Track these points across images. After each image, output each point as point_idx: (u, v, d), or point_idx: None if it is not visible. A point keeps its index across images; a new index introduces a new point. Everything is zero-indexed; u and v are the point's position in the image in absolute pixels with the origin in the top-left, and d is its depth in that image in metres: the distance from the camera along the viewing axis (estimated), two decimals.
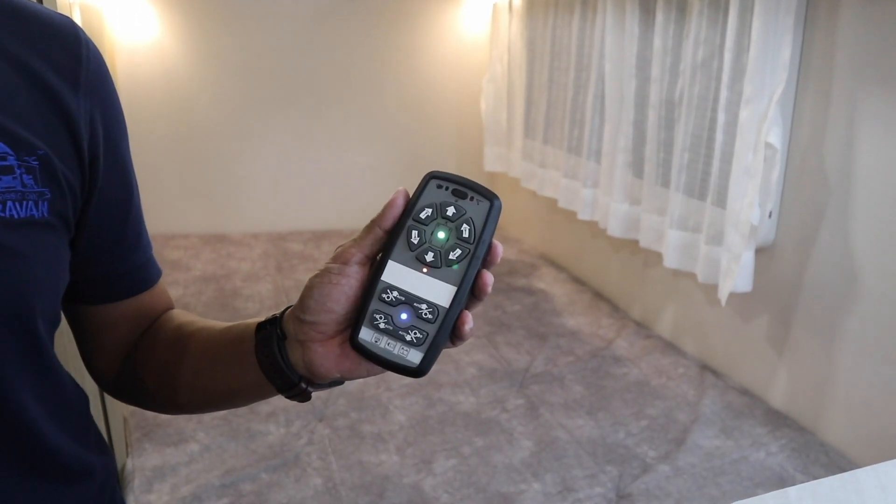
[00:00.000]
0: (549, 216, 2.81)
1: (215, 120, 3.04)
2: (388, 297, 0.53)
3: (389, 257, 0.53)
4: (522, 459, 1.67)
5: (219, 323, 0.68)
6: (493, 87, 2.94)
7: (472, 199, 0.53)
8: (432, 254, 0.53)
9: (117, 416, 1.64)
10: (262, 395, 0.61)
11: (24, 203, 0.53)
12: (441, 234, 0.53)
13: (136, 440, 1.71)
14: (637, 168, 2.12)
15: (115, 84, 0.64)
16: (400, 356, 0.53)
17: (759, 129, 1.62)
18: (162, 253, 2.84)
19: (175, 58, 2.92)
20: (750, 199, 1.65)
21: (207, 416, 1.81)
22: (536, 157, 2.68)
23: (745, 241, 1.67)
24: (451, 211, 0.53)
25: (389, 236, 0.54)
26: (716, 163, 1.78)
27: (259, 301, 2.52)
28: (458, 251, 0.52)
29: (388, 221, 0.54)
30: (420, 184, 0.54)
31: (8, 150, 0.52)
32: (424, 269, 0.53)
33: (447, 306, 0.52)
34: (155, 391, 0.69)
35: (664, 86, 1.94)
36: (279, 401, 1.89)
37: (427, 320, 0.52)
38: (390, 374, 1.95)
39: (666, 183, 2.00)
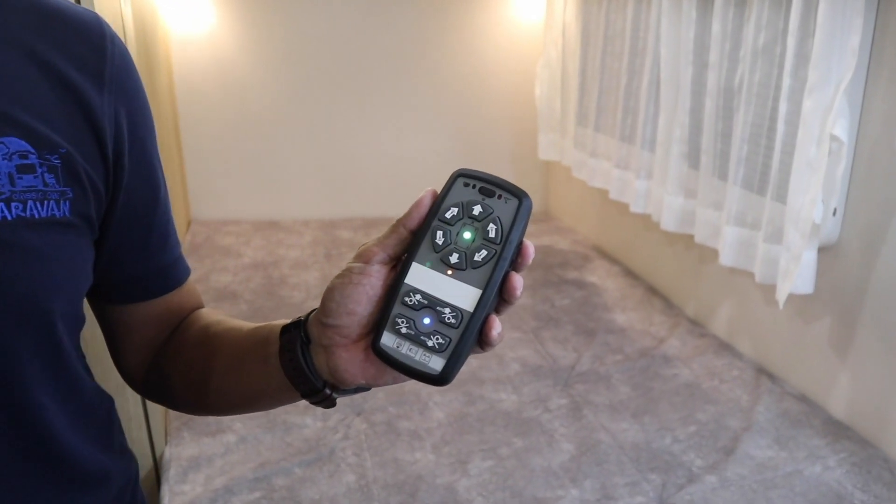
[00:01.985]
0: (604, 206, 2.72)
1: (268, 108, 3.05)
2: (411, 301, 0.51)
3: (414, 259, 0.51)
4: (562, 463, 1.61)
5: (246, 324, 0.67)
6: (548, 72, 2.85)
7: (500, 197, 0.51)
8: (457, 255, 0.51)
9: (155, 406, 1.65)
10: (288, 400, 0.60)
11: (46, 202, 0.53)
12: (467, 235, 0.51)
13: (176, 429, 1.72)
14: (693, 159, 2.02)
15: (142, 80, 0.63)
16: (422, 363, 0.51)
17: (824, 120, 1.50)
18: (214, 239, 2.87)
19: (228, 48, 2.93)
20: (812, 196, 1.53)
21: None
22: (588, 145, 2.59)
23: (805, 240, 1.56)
24: (477, 210, 0.51)
25: (415, 237, 0.52)
26: (776, 155, 1.67)
27: (305, 290, 2.52)
28: (485, 252, 0.50)
29: (414, 222, 0.52)
30: (447, 182, 0.52)
31: (30, 148, 0.52)
32: (449, 272, 0.51)
33: (472, 311, 0.50)
34: (182, 391, 0.69)
35: (723, 72, 1.83)
36: None
37: (450, 325, 0.50)
38: None
39: (723, 176, 1.89)
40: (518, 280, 0.51)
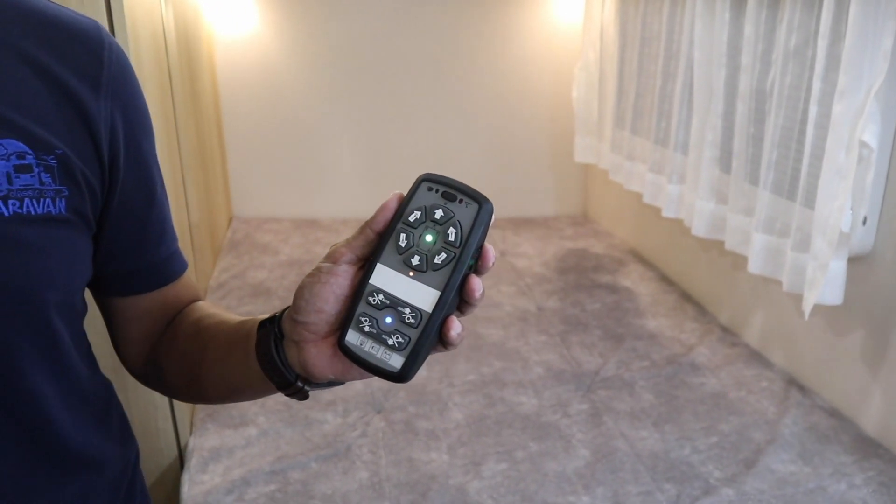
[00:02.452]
0: (641, 210, 2.68)
1: (308, 108, 3.10)
2: (374, 301, 0.53)
3: (378, 260, 0.53)
4: (576, 469, 1.60)
5: (236, 317, 0.70)
6: (585, 74, 2.83)
7: (461, 201, 0.53)
8: (418, 257, 0.53)
9: None
10: (269, 391, 0.62)
11: (42, 200, 0.56)
12: (429, 238, 0.53)
13: (201, 420, 1.77)
14: (725, 164, 1.97)
15: (140, 84, 0.68)
16: (382, 360, 0.53)
17: (854, 126, 1.45)
18: (254, 236, 2.93)
19: (270, 49, 2.99)
20: (840, 203, 1.48)
21: (270, 401, 1.85)
22: (624, 148, 2.55)
23: (832, 249, 1.51)
24: (439, 214, 0.53)
25: (381, 239, 0.54)
26: (806, 161, 1.62)
27: None
28: (444, 255, 0.52)
29: (380, 224, 0.54)
30: (412, 186, 0.54)
31: (27, 149, 0.55)
32: (411, 273, 0.53)
33: (430, 311, 0.52)
34: (175, 381, 0.73)
35: (755, 75, 1.78)
36: (342, 390, 1.90)
37: (410, 325, 0.52)
38: (453, 369, 1.93)
39: (754, 181, 1.84)
40: (476, 283, 0.52)
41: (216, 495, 1.51)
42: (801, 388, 1.87)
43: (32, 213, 0.55)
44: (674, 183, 2.18)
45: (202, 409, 1.81)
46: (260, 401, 1.84)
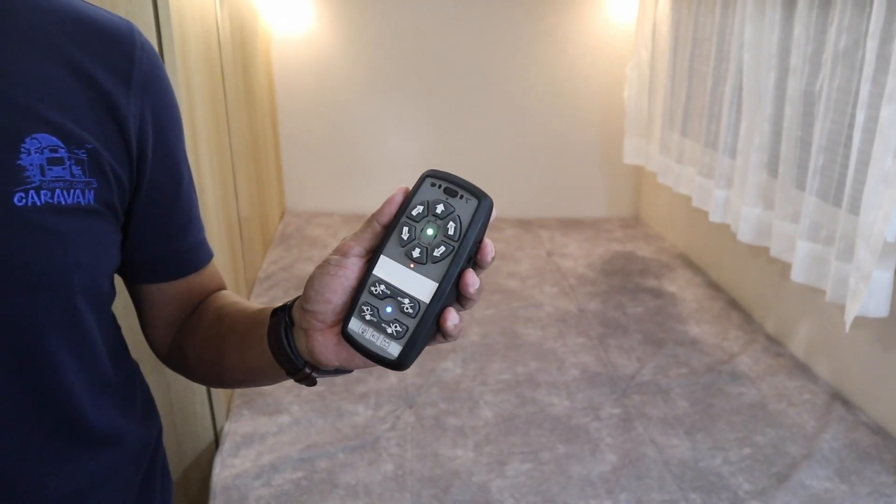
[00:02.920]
0: (692, 214, 2.62)
1: (361, 105, 3.15)
2: (376, 291, 0.55)
3: (382, 252, 0.55)
4: (601, 473, 1.58)
5: (255, 306, 0.73)
6: (637, 74, 2.78)
7: (461, 197, 0.55)
8: (419, 250, 0.54)
9: None
10: (282, 376, 0.65)
11: (72, 191, 0.59)
12: (429, 231, 0.54)
13: (237, 406, 1.82)
14: (773, 169, 1.91)
15: (171, 82, 0.70)
16: (381, 348, 0.54)
17: None
18: (304, 230, 2.99)
19: (325, 47, 3.05)
20: (886, 211, 1.42)
21: (305, 391, 1.89)
22: (674, 151, 2.50)
23: (875, 259, 1.45)
24: (440, 208, 0.55)
25: (386, 231, 0.56)
26: (852, 166, 1.56)
27: None
28: (443, 248, 0.54)
29: (385, 217, 0.56)
30: (417, 181, 0.56)
31: (59, 143, 0.58)
32: (411, 265, 0.55)
33: (428, 302, 0.53)
34: (196, 365, 0.76)
35: (804, 78, 1.72)
36: (375, 383, 1.93)
37: (408, 315, 0.54)
38: (488, 368, 1.93)
39: (802, 187, 1.78)
40: (471, 277, 0.54)
41: (245, 479, 1.55)
42: (846, 403, 1.80)
43: (63, 203, 0.59)
44: (721, 187, 2.13)
45: (239, 396, 1.86)
46: (295, 390, 1.88)
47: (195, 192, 0.76)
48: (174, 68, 1.45)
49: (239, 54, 2.36)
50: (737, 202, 2.03)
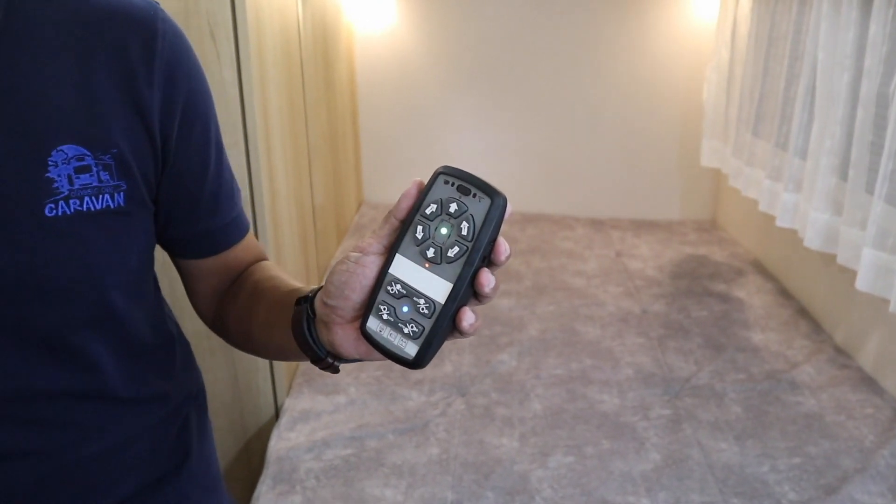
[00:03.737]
0: (766, 219, 2.55)
1: (439, 101, 3.21)
2: (393, 290, 0.56)
3: (398, 251, 0.56)
4: (642, 472, 1.59)
5: (288, 284, 0.75)
6: (716, 75, 2.72)
7: (474, 195, 0.54)
8: (433, 249, 0.55)
9: (283, 362, 1.84)
10: (306, 358, 0.67)
11: (101, 196, 0.62)
12: (443, 230, 0.55)
13: (298, 384, 1.92)
14: (843, 174, 1.85)
15: (198, 66, 0.70)
16: (399, 347, 0.55)
17: None
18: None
19: (407, 45, 3.13)
20: None
21: (363, 375, 1.97)
22: (745, 153, 2.44)
23: None
24: (453, 207, 0.54)
25: (402, 229, 0.56)
26: None
27: None
28: (457, 248, 0.54)
29: (402, 212, 0.57)
30: (430, 178, 0.57)
31: (85, 151, 0.60)
32: (426, 265, 0.55)
33: (443, 302, 0.54)
34: (235, 336, 0.80)
35: (878, 79, 1.66)
36: (431, 371, 1.99)
37: (424, 315, 0.55)
38: (543, 362, 1.96)
39: (871, 193, 1.72)
40: (486, 277, 0.54)
41: (297, 452, 1.64)
42: None
43: (92, 209, 0.61)
44: (789, 191, 2.07)
45: (301, 375, 1.96)
46: (353, 373, 1.97)
47: (227, 171, 0.77)
48: (248, 62, 1.55)
49: (320, 50, 2.47)
50: (805, 207, 1.97)
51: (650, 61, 3.06)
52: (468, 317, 0.55)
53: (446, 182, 0.55)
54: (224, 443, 1.81)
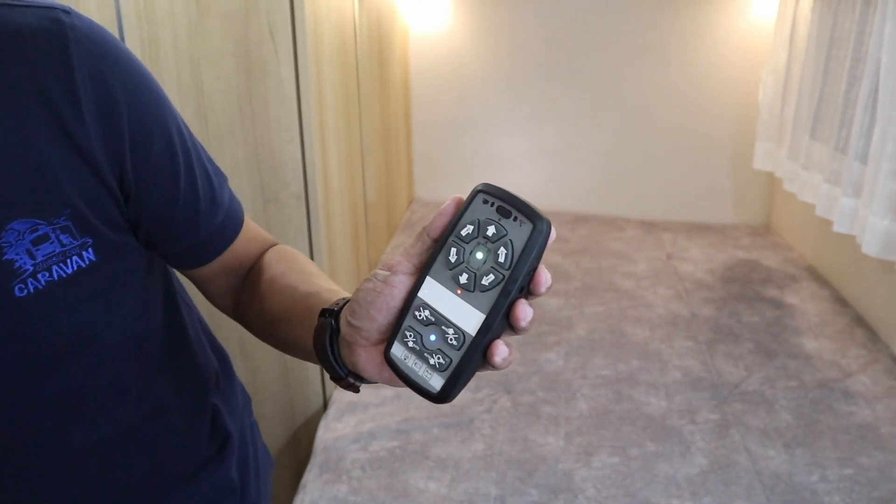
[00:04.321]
0: (822, 224, 2.50)
1: (492, 101, 3.22)
2: (421, 316, 0.51)
3: (429, 273, 0.51)
4: (687, 475, 1.58)
5: (308, 280, 0.70)
6: (773, 77, 2.67)
7: (515, 219, 0.49)
8: (466, 275, 0.50)
9: None
10: None
11: (69, 260, 0.57)
12: (479, 255, 0.50)
13: None
14: None
15: (134, 64, 0.60)
16: (423, 379, 0.51)
17: None
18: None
19: (461, 44, 3.15)
20: None
21: None
22: (801, 157, 2.39)
23: None
24: (491, 231, 0.49)
25: (435, 249, 0.52)
26: None
27: None
28: (492, 276, 0.49)
29: (437, 230, 0.52)
30: (468, 197, 0.51)
31: (37, 220, 0.55)
32: (458, 291, 0.50)
33: (473, 335, 0.49)
34: (259, 334, 0.76)
35: None
36: None
37: (452, 346, 0.50)
38: (590, 363, 1.96)
39: None
40: (523, 310, 0.49)
41: (344, 442, 1.68)
42: None
43: (64, 275, 0.57)
44: (848, 195, 2.03)
45: None
46: None
47: (200, 176, 0.68)
48: (305, 60, 1.59)
49: (375, 49, 2.51)
50: (864, 212, 1.93)
51: (705, 62, 3.02)
52: (501, 351, 0.49)
53: (485, 202, 0.50)
54: (273, 431, 1.86)
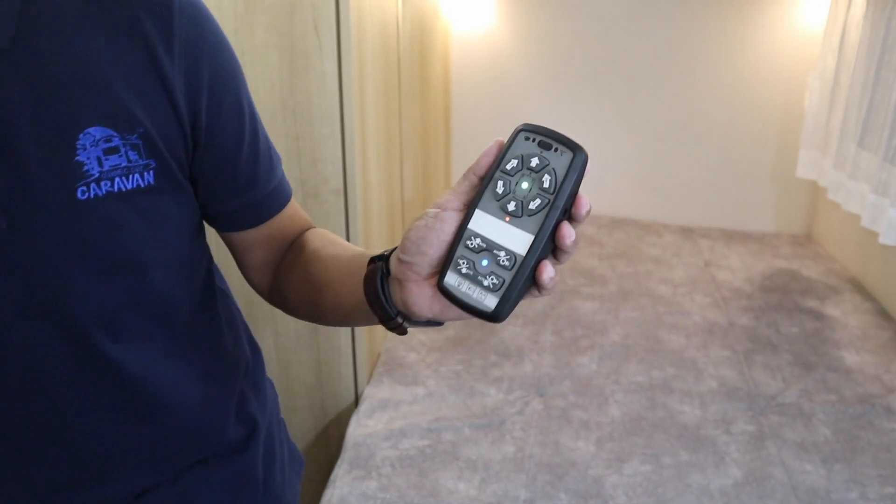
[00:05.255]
0: (868, 235, 2.45)
1: (532, 102, 3.21)
2: (472, 244, 0.56)
3: (477, 206, 0.56)
4: (720, 487, 1.55)
5: (350, 249, 0.76)
6: (820, 83, 2.61)
7: (556, 150, 0.55)
8: (514, 203, 0.55)
9: (364, 350, 1.89)
10: (374, 321, 0.66)
11: (131, 176, 0.62)
12: (524, 185, 0.55)
13: (378, 373, 1.96)
14: None
15: (222, 40, 0.68)
16: (478, 300, 0.55)
17: None
18: None
19: (503, 46, 3.14)
20: None
21: (443, 368, 1.99)
22: (847, 166, 2.34)
23: None
24: (535, 162, 0.55)
25: (481, 185, 0.57)
26: None
27: None
28: (538, 201, 0.54)
29: (482, 169, 0.57)
30: (511, 135, 0.57)
31: (112, 132, 0.60)
32: (507, 218, 0.55)
33: (524, 254, 0.54)
34: (297, 306, 0.80)
35: None
36: (511, 369, 2.00)
37: (504, 267, 0.55)
38: (623, 368, 1.94)
39: None
40: (568, 229, 0.54)
41: (375, 439, 1.68)
42: None
43: (123, 189, 0.61)
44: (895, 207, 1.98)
45: (382, 364, 2.00)
46: (434, 366, 2.00)
47: (263, 141, 0.75)
48: (348, 56, 1.59)
49: (417, 47, 2.51)
50: None
51: (750, 68, 2.97)
52: (548, 270, 0.54)
53: (527, 138, 0.56)
54: (304, 425, 1.87)
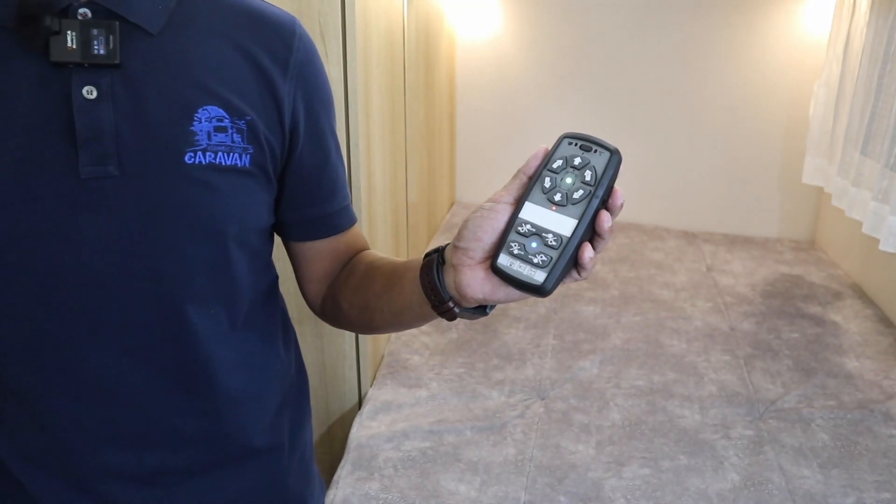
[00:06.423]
0: (870, 242, 2.46)
1: (537, 108, 3.23)
2: (523, 230, 0.64)
3: (527, 199, 0.65)
4: (719, 491, 1.57)
5: (405, 260, 0.83)
6: (825, 91, 2.63)
7: (595, 151, 0.64)
8: (560, 195, 0.64)
9: (368, 353, 1.91)
10: (424, 314, 0.74)
11: (231, 154, 0.71)
12: (568, 180, 0.64)
13: (382, 375, 1.99)
14: None
15: (324, 70, 0.82)
16: (528, 276, 0.63)
17: None
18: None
19: (508, 52, 3.16)
20: None
21: (445, 370, 2.01)
22: (851, 173, 2.35)
23: None
24: (577, 161, 0.64)
25: (531, 182, 0.66)
26: None
27: None
28: (581, 191, 0.63)
29: (531, 169, 0.67)
30: (556, 142, 0.67)
31: (224, 114, 0.71)
32: (553, 208, 0.64)
33: (569, 235, 0.62)
34: (348, 312, 0.86)
35: None
36: (513, 372, 2.02)
37: (551, 247, 0.63)
38: (624, 372, 1.95)
39: None
40: (606, 215, 0.63)
41: (377, 440, 1.70)
42: None
43: (223, 164, 0.71)
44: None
45: (385, 367, 2.02)
46: (436, 368, 2.02)
47: (343, 165, 0.86)
48: (354, 61, 1.62)
49: (422, 53, 2.53)
50: None
51: (755, 74, 2.98)
52: (589, 251, 0.63)
53: (570, 143, 0.65)
54: None
